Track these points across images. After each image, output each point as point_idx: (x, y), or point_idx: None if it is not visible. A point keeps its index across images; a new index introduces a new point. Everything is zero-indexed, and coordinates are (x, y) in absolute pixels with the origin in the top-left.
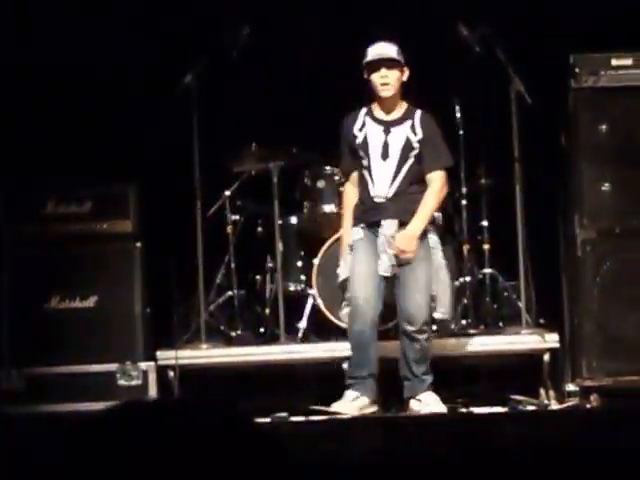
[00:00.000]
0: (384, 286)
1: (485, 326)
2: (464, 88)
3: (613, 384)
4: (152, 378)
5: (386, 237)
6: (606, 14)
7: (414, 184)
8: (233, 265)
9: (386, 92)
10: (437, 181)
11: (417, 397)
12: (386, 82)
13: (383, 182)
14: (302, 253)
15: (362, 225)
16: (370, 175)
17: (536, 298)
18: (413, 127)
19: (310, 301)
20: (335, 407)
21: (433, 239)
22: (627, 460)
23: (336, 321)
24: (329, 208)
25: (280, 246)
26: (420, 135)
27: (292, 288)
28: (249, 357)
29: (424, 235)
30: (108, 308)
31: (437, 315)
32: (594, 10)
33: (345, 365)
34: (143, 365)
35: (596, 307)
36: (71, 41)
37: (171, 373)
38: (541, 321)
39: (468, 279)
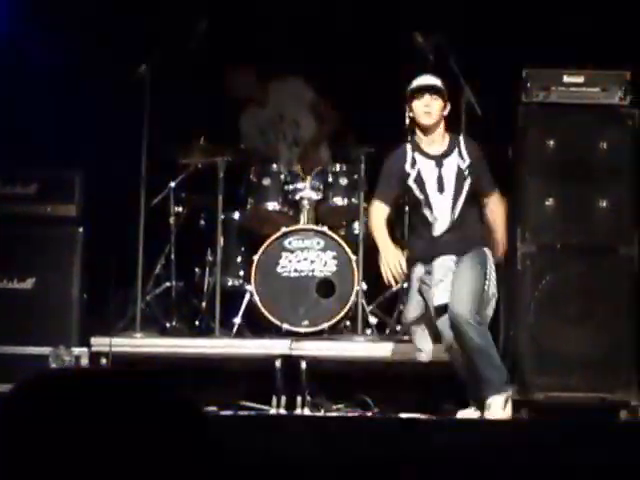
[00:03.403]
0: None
1: None
2: None
3: (544, 399)
4: (85, 364)
5: (443, 268)
6: (561, 31)
7: (470, 214)
8: (173, 256)
9: (427, 119)
10: (500, 201)
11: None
12: (428, 111)
13: (443, 216)
14: (242, 249)
15: (421, 262)
16: (430, 210)
17: None
18: (461, 154)
19: (247, 297)
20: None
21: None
22: (550, 475)
23: (271, 318)
24: (272, 206)
25: (221, 240)
26: (468, 160)
27: (230, 283)
28: (182, 349)
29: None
30: (45, 291)
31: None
32: (549, 26)
33: None
34: (76, 350)
35: (532, 321)
36: (26, 26)
37: (104, 360)
38: None
39: (405, 285)
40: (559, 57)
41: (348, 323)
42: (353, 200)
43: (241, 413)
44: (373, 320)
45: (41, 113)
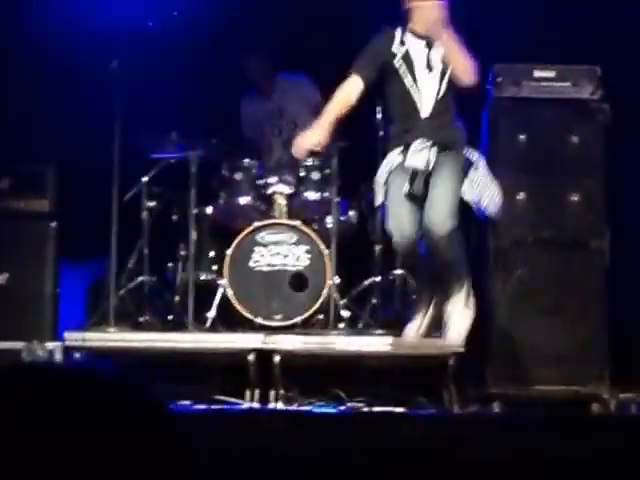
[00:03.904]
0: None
1: (392, 327)
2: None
3: (516, 392)
4: (58, 358)
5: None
6: (532, 26)
7: (451, 106)
8: (146, 251)
9: (431, 15)
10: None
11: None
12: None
13: (429, 97)
14: (215, 243)
15: (401, 148)
16: (418, 91)
17: None
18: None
19: (220, 291)
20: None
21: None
22: (522, 469)
23: (244, 312)
24: (245, 200)
25: (194, 235)
26: None
27: (203, 277)
28: (155, 343)
29: (459, 149)
30: (19, 286)
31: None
32: (521, 22)
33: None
34: (50, 344)
35: (504, 315)
36: None
37: (77, 354)
38: None
39: (378, 279)
40: (530, 52)
41: (321, 317)
42: (325, 194)
43: (214, 407)
44: (346, 314)
45: (12, 108)
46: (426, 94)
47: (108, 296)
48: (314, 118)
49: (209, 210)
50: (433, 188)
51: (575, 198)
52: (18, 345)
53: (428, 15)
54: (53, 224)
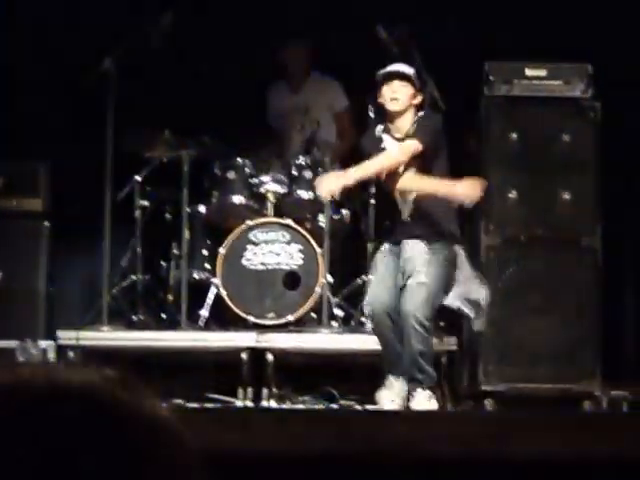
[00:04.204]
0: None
1: None
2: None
3: (508, 390)
4: (52, 357)
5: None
6: (524, 23)
7: (434, 203)
8: (139, 250)
9: (394, 105)
10: (405, 145)
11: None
12: (396, 97)
13: (408, 197)
14: (208, 242)
15: (388, 244)
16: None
17: None
18: None
19: (213, 290)
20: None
21: (446, 253)
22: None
23: (237, 311)
24: (238, 199)
25: (187, 234)
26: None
27: (196, 276)
28: (149, 342)
29: (435, 246)
30: (12, 285)
31: (476, 327)
32: (512, 19)
33: None
34: (43, 343)
35: (496, 313)
36: None
37: (71, 353)
38: (441, 324)
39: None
40: (522, 50)
41: (314, 315)
42: (318, 193)
43: (207, 405)
44: (339, 312)
45: (4, 107)
46: (404, 195)
47: (101, 295)
48: (335, 123)
49: (202, 209)
50: (412, 276)
51: (567, 196)
52: (11, 344)
53: (394, 105)
54: (46, 223)
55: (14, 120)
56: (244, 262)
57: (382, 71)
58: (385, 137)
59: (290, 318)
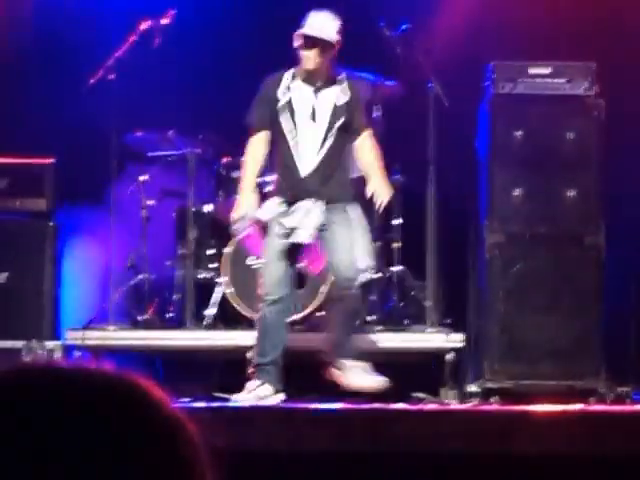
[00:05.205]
0: (294, 269)
1: (390, 323)
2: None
3: (514, 387)
4: (58, 356)
5: (307, 208)
6: (527, 24)
7: (339, 161)
8: (145, 249)
9: (308, 64)
10: (370, 138)
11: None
12: (309, 57)
13: (311, 152)
14: (213, 241)
15: (281, 201)
16: (296, 145)
17: (443, 298)
18: (343, 90)
19: (219, 289)
20: (235, 397)
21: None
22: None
23: (242, 310)
24: None
25: (192, 233)
26: (347, 97)
27: (202, 275)
28: (155, 341)
29: (345, 204)
30: (18, 285)
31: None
32: (515, 19)
33: (249, 354)
34: (49, 343)
35: (501, 310)
36: None
37: (77, 352)
38: (447, 321)
39: (376, 276)
40: (525, 49)
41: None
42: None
43: (213, 404)
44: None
45: (10, 106)
46: (306, 148)
47: (107, 294)
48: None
49: (207, 208)
50: (333, 245)
51: (571, 194)
52: (18, 344)
53: (307, 64)
54: (51, 223)
55: (18, 120)
56: (249, 261)
57: (300, 30)
58: (295, 83)
59: (296, 317)
